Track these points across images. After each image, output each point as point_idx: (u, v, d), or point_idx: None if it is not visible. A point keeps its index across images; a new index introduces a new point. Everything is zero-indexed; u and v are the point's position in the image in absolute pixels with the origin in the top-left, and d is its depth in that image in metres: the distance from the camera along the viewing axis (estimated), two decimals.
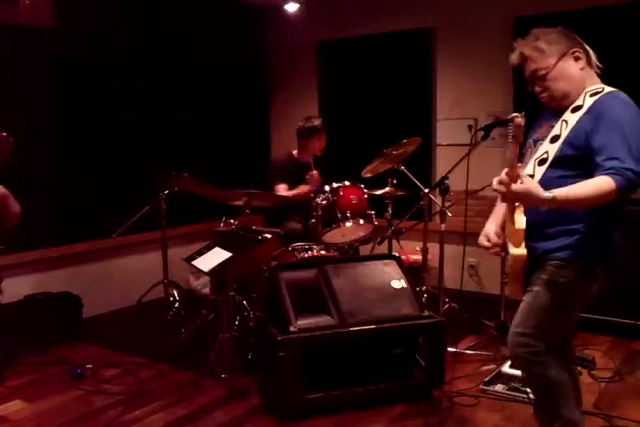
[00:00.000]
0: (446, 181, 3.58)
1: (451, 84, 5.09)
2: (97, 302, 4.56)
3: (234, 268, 3.37)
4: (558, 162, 2.06)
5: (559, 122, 2.11)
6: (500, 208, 2.32)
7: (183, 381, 3.41)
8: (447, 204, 3.80)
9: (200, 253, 3.49)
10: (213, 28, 5.41)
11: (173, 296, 4.56)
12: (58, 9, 4.29)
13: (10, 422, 2.99)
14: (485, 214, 5.23)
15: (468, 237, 4.07)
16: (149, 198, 4.21)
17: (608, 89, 2.11)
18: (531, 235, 2.07)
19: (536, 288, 2.14)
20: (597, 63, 2.20)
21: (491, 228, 2.30)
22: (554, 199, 1.84)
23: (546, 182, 1.97)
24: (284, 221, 4.24)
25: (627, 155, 1.89)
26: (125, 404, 3.14)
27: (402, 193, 4.28)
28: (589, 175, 1.95)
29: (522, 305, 2.20)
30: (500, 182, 1.88)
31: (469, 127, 4.89)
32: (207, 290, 4.99)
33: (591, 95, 2.09)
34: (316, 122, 4.31)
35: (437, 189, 3.69)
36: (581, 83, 2.13)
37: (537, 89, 2.19)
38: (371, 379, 3.12)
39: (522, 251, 2.03)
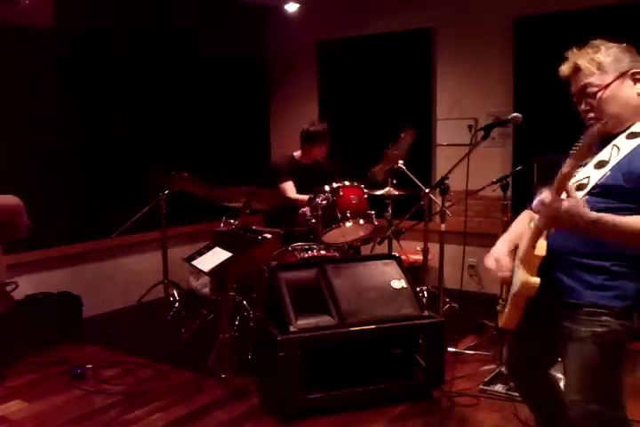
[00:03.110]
0: (446, 181, 3.57)
1: (451, 84, 5.09)
2: (97, 302, 4.56)
3: (234, 268, 3.37)
4: (599, 190, 1.79)
5: (609, 146, 1.82)
6: (520, 224, 2.08)
7: (183, 381, 3.41)
8: (447, 204, 3.79)
9: (200, 253, 3.49)
10: (213, 28, 5.41)
11: (173, 296, 4.56)
12: (58, 9, 4.28)
13: (10, 422, 2.99)
14: (485, 214, 5.25)
15: (468, 237, 4.07)
16: (149, 198, 4.21)
17: None
18: (556, 264, 1.87)
19: (574, 345, 1.91)
20: None
21: (501, 250, 2.04)
22: (597, 221, 1.66)
23: None
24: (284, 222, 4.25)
25: None
26: (125, 404, 3.14)
27: (402, 193, 4.27)
28: (634, 211, 1.74)
29: (569, 367, 1.96)
30: (544, 201, 1.70)
31: (469, 127, 4.89)
32: (207, 290, 4.99)
33: None
34: (321, 128, 4.30)
35: (437, 189, 3.68)
36: (637, 109, 1.86)
37: (584, 107, 1.91)
38: (371, 379, 3.12)
39: (536, 280, 1.80)
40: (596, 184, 1.78)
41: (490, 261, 2.03)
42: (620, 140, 1.81)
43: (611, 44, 1.92)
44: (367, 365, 3.22)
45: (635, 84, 1.87)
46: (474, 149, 3.26)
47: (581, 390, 1.92)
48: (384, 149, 4.19)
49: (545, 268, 1.83)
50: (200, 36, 5.30)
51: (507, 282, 1.99)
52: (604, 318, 1.85)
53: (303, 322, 3.02)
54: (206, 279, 4.97)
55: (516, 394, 3.05)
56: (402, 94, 5.27)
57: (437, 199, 4.14)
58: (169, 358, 3.68)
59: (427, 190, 3.78)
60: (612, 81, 1.85)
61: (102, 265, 4.78)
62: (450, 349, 3.64)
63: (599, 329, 1.86)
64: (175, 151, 5.08)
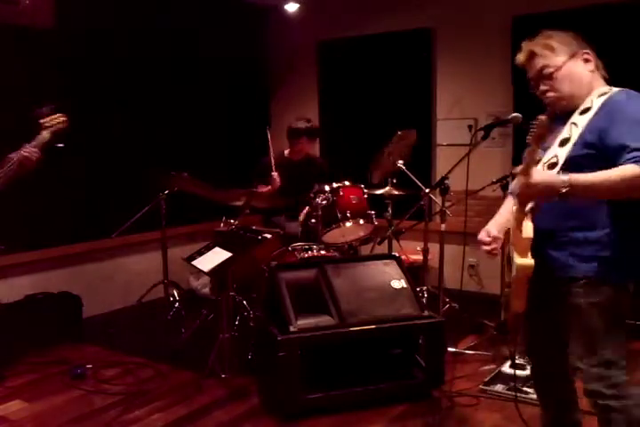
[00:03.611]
0: (446, 181, 3.58)
1: (451, 84, 5.09)
2: (97, 302, 4.56)
3: (234, 268, 3.37)
4: (570, 164, 1.95)
5: (567, 125, 2.03)
6: (505, 211, 2.24)
7: (183, 381, 3.41)
8: (447, 204, 3.80)
9: (200, 253, 3.49)
10: (213, 28, 5.41)
11: (173, 296, 4.56)
12: (58, 9, 4.28)
13: (10, 422, 2.99)
14: (485, 214, 5.23)
15: (468, 237, 4.06)
16: (149, 198, 4.21)
17: (616, 89, 2.06)
18: (547, 243, 2.00)
19: (575, 316, 2.04)
20: (604, 72, 2.14)
21: (492, 225, 2.22)
22: (569, 183, 1.78)
23: None
24: (282, 222, 4.25)
25: None
26: (125, 404, 3.14)
27: (402, 193, 4.28)
28: None
29: (572, 337, 2.09)
30: (521, 182, 1.84)
31: (469, 127, 4.89)
32: (207, 290, 4.99)
33: (599, 96, 2.02)
34: (302, 125, 4.30)
35: (437, 189, 3.68)
36: (589, 85, 2.07)
37: (542, 88, 2.12)
38: (371, 379, 3.12)
39: (529, 261, 1.91)
40: (565, 160, 1.96)
41: (482, 235, 2.20)
42: (576, 117, 2.02)
43: (559, 31, 2.13)
44: (367, 365, 3.22)
45: (585, 63, 2.09)
46: (474, 149, 3.25)
47: (584, 357, 2.05)
48: (384, 148, 4.19)
49: (538, 248, 1.95)
50: (200, 36, 5.30)
51: (493, 255, 2.18)
52: (601, 288, 1.98)
53: (303, 322, 3.01)
54: (206, 279, 4.97)
55: (517, 394, 3.07)
56: (402, 94, 5.27)
57: (437, 199, 4.14)
58: (169, 358, 3.68)
59: (427, 190, 3.78)
60: (566, 61, 2.06)
61: (102, 265, 4.78)
62: (450, 349, 3.64)
63: (596, 299, 1.99)
64: (175, 151, 5.07)
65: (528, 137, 1.80)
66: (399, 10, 5.18)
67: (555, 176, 1.84)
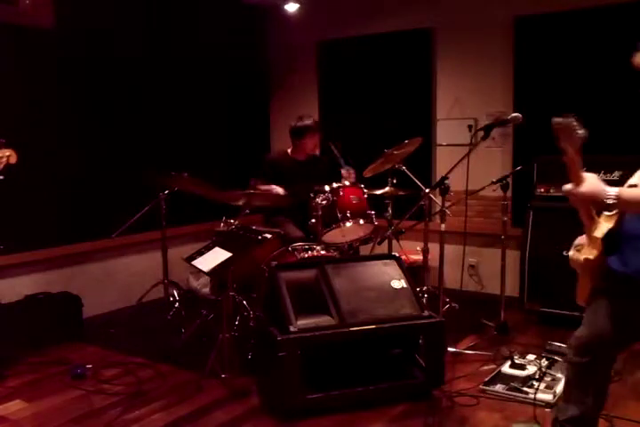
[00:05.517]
0: (446, 181, 3.58)
1: (451, 84, 5.09)
2: (97, 302, 4.56)
3: (234, 268, 3.37)
4: None
5: None
6: None
7: (183, 381, 3.40)
8: (447, 204, 3.80)
9: (200, 253, 3.49)
10: (213, 28, 5.41)
11: (173, 296, 4.55)
12: (58, 9, 4.29)
13: (10, 422, 2.99)
14: (485, 214, 5.25)
15: (468, 237, 4.08)
16: (149, 198, 4.20)
17: None
18: (629, 247, 2.02)
19: (605, 300, 2.09)
20: None
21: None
22: (616, 196, 1.81)
23: None
24: (284, 225, 4.24)
25: None
26: (125, 404, 3.14)
27: (402, 193, 4.28)
28: None
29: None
30: (566, 190, 1.88)
31: (469, 127, 4.89)
32: (207, 290, 4.98)
33: None
34: (308, 121, 4.30)
35: (437, 189, 3.68)
36: None
37: None
38: (371, 379, 3.12)
39: (591, 256, 2.02)
40: None
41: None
42: None
43: None
44: (367, 365, 3.22)
45: None
46: (474, 149, 3.26)
47: (579, 332, 2.17)
48: (383, 148, 4.19)
49: (620, 250, 2.00)
50: (200, 36, 5.30)
51: None
52: None
53: (303, 322, 3.01)
54: (206, 279, 4.96)
55: (516, 394, 3.07)
56: (402, 94, 5.27)
57: (437, 199, 4.14)
58: (169, 358, 3.68)
59: (427, 190, 3.78)
60: None
61: (102, 265, 4.78)
62: (450, 349, 3.64)
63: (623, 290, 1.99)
64: (175, 151, 5.08)
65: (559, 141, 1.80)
66: (399, 10, 5.18)
67: (601, 188, 1.84)
